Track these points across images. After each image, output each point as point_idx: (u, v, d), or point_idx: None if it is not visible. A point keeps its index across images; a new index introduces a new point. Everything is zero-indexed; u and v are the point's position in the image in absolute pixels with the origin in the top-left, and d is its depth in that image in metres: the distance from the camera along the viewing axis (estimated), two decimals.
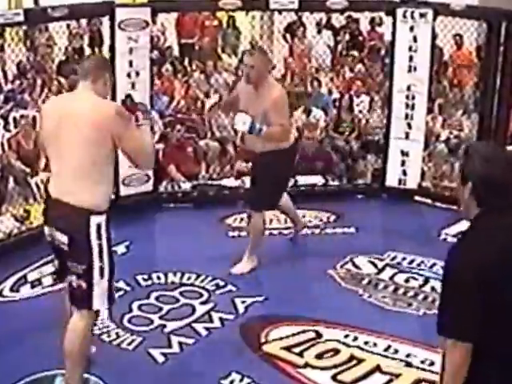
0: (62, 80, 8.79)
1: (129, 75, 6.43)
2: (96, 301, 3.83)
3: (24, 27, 9.16)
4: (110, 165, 3.80)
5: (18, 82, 8.49)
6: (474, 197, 2.62)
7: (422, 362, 4.44)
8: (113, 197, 6.82)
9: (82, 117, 3.65)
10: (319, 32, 10.34)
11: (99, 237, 3.76)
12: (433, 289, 5.37)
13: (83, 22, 10.17)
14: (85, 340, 3.86)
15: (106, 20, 6.57)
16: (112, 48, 6.44)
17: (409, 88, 6.93)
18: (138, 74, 6.46)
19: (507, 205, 2.61)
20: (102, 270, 3.81)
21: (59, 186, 3.76)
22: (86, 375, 4.19)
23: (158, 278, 5.48)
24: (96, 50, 10.18)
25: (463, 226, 6.61)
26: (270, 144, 5.23)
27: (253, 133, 5.16)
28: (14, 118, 7.58)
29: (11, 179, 7.04)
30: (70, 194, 3.69)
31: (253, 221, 5.53)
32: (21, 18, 5.65)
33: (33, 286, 5.39)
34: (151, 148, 4.07)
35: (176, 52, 10.51)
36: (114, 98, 6.53)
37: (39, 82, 8.56)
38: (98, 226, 3.74)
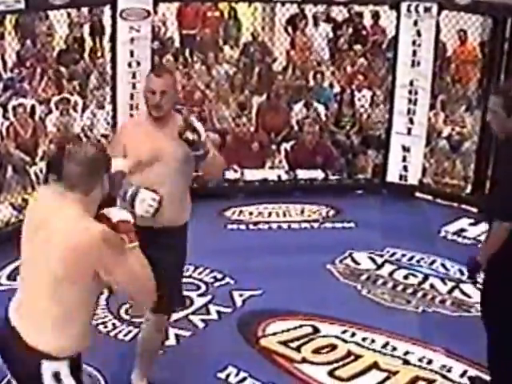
0: (62, 69, 8.77)
1: (130, 65, 6.41)
2: None
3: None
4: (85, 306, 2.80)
5: (17, 71, 8.46)
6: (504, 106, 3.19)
7: (420, 360, 4.44)
8: None
9: (56, 246, 2.69)
10: (316, 25, 10.31)
11: None
12: (432, 286, 5.38)
13: (84, 10, 10.14)
14: None
15: (107, 9, 6.56)
16: (113, 37, 6.42)
17: (411, 83, 6.93)
18: (139, 63, 6.43)
19: None
20: None
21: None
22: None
23: None
24: (97, 39, 10.17)
25: (464, 223, 6.67)
26: None
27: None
28: (13, 107, 7.54)
29: (10, 168, 7.01)
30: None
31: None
32: (22, 6, 5.62)
33: None
34: (147, 275, 2.83)
35: (177, 43, 10.50)
36: (114, 88, 6.54)
37: (39, 70, 8.53)
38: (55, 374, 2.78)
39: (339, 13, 10.41)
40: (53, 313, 2.70)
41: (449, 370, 4.34)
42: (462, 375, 4.30)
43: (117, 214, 2.84)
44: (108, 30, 7.11)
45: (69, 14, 10.18)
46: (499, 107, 3.73)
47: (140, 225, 3.27)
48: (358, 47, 9.68)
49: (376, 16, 10.39)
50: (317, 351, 4.51)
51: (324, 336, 4.65)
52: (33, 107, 7.55)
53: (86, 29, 10.30)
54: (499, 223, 3.64)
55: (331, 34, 10.40)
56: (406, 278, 5.51)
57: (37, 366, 2.70)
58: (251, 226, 6.37)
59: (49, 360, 2.70)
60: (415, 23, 6.77)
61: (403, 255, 5.86)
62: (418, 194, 7.19)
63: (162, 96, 3.63)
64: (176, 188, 3.72)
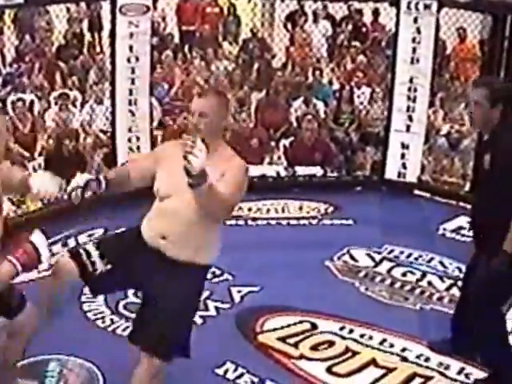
0: (62, 64, 8.76)
1: (129, 60, 6.41)
2: None
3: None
4: None
5: (16, 66, 8.46)
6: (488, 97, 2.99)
7: (418, 357, 4.44)
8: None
9: None
10: (315, 21, 10.31)
11: None
12: (430, 283, 5.39)
13: (83, 5, 10.13)
14: None
15: (106, 4, 6.56)
16: (112, 32, 6.42)
17: (411, 80, 6.93)
18: (137, 59, 6.44)
19: None
20: None
21: None
22: (79, 360, 4.22)
23: None
24: (95, 34, 10.17)
25: (462, 221, 6.67)
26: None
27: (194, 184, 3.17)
28: (12, 102, 7.54)
29: (8, 163, 6.99)
30: None
31: None
32: (21, 0, 5.61)
33: None
34: None
35: (177, 39, 10.50)
36: (113, 83, 6.54)
37: (38, 65, 8.52)
38: None
39: (339, 10, 10.41)
40: None
41: (446, 367, 4.34)
42: (460, 372, 4.30)
43: (38, 241, 3.17)
44: (107, 25, 7.11)
45: (68, 9, 10.19)
46: (484, 98, 3.75)
47: (148, 242, 3.37)
48: (357, 44, 9.69)
49: (376, 13, 10.41)
50: (315, 347, 4.51)
51: (322, 332, 4.66)
52: (31, 102, 7.54)
53: (85, 24, 10.31)
54: None
55: (331, 31, 10.40)
56: (404, 275, 5.51)
57: None
58: (250, 222, 6.36)
59: None
60: (415, 20, 6.76)
61: (401, 252, 5.86)
62: (416, 192, 7.19)
63: (200, 118, 3.35)
64: (190, 223, 3.40)
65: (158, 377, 3.56)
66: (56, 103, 7.74)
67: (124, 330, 4.62)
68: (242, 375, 4.22)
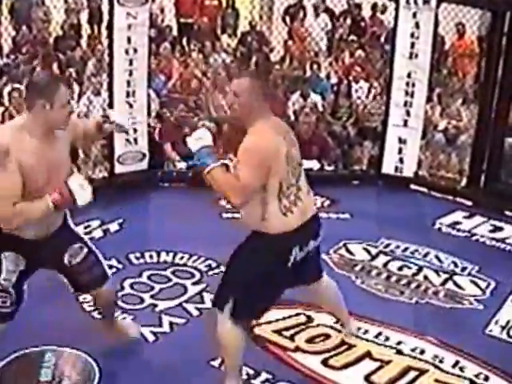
0: (59, 55, 8.74)
1: (127, 52, 6.40)
2: None
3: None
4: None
5: (12, 57, 8.43)
6: None
7: (413, 350, 4.45)
8: (106, 174, 6.91)
9: None
10: (317, 16, 10.31)
11: None
12: (425, 277, 5.41)
13: None
14: None
15: None
16: (110, 23, 6.40)
17: (409, 75, 6.93)
18: (135, 50, 6.43)
19: None
20: None
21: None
22: (75, 351, 4.22)
23: (151, 256, 5.48)
24: (95, 25, 10.14)
25: (458, 216, 6.70)
26: None
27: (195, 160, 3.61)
28: (9, 92, 7.50)
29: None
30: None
31: None
32: None
33: None
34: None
35: (175, 31, 10.49)
36: (110, 75, 6.53)
37: (35, 56, 8.50)
38: None
39: (338, 4, 10.42)
40: None
41: (441, 361, 4.36)
42: (454, 365, 4.32)
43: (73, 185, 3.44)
44: (106, 17, 7.08)
45: (65, 0, 10.17)
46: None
47: None
48: (356, 38, 9.69)
49: (375, 8, 10.42)
50: (310, 340, 4.51)
51: (318, 325, 4.66)
52: None
53: (84, 15, 10.27)
54: None
55: (330, 25, 10.40)
56: (400, 269, 5.52)
57: None
58: None
59: None
60: (414, 15, 6.77)
61: (397, 246, 5.87)
62: (413, 186, 7.21)
63: (234, 97, 3.55)
64: None
65: (235, 337, 3.79)
66: None
67: None
68: None
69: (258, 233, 3.69)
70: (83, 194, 3.47)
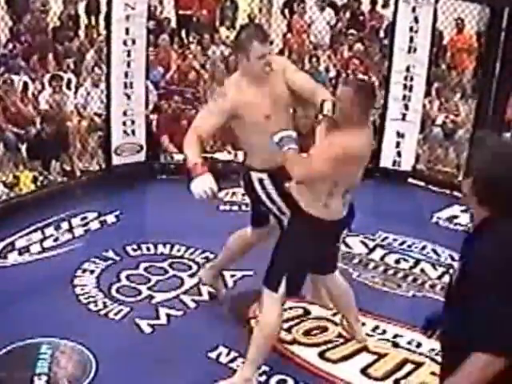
0: (58, 46, 8.71)
1: (125, 43, 6.39)
2: None
3: None
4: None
5: (10, 47, 8.40)
6: (474, 193, 2.36)
7: (409, 343, 4.48)
8: (103, 166, 6.90)
9: None
10: (322, 10, 10.28)
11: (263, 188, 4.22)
12: (422, 271, 5.43)
13: None
14: None
15: None
16: (108, 14, 6.39)
17: (408, 69, 6.94)
18: (134, 42, 6.43)
19: None
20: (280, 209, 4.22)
21: None
22: (71, 343, 4.23)
23: (148, 248, 5.50)
24: (92, 16, 10.11)
25: (455, 210, 6.68)
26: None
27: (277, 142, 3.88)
28: (4, 81, 7.47)
29: (1, 145, 6.95)
30: None
31: None
32: None
33: (20, 253, 5.41)
34: None
35: (173, 23, 10.47)
36: (108, 66, 6.52)
37: (32, 47, 8.47)
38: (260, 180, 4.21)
39: None
40: None
41: (437, 354, 4.32)
42: None
43: None
44: (104, 8, 7.07)
45: None
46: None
47: None
48: (355, 32, 9.67)
49: (374, 2, 10.40)
50: (307, 333, 4.55)
51: (315, 318, 4.69)
52: (25, 84, 7.48)
53: (82, 6, 10.23)
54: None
55: (334, 19, 10.38)
56: (397, 262, 5.55)
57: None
58: (243, 208, 6.33)
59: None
60: (413, 10, 6.77)
61: (395, 240, 5.90)
62: (410, 180, 7.23)
63: (338, 101, 3.78)
64: None
65: (278, 318, 3.96)
66: (50, 85, 7.68)
67: (116, 313, 4.65)
68: (234, 359, 4.24)
69: (311, 218, 3.87)
70: (199, 185, 4.13)
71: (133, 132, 6.66)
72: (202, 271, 4.91)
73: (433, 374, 4.19)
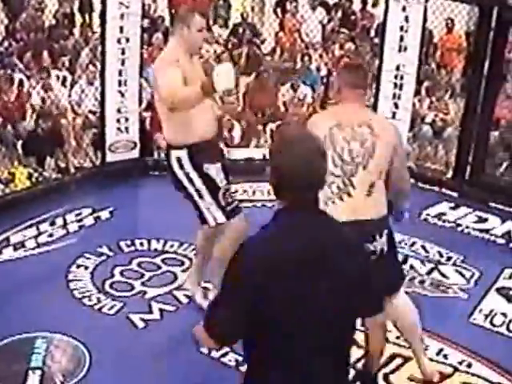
0: (54, 44, 8.74)
1: (119, 41, 6.42)
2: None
3: None
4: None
5: (6, 44, 8.44)
6: (270, 183, 2.33)
7: (397, 338, 4.44)
8: (98, 162, 6.95)
9: None
10: (314, 9, 10.33)
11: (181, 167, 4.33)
12: (412, 267, 5.47)
13: None
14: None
15: None
16: (103, 13, 6.42)
17: (398, 68, 6.96)
18: (128, 40, 6.45)
19: (305, 201, 2.29)
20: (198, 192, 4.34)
21: None
22: (66, 338, 4.26)
23: (141, 244, 5.51)
24: (86, 15, 10.14)
25: (444, 207, 6.70)
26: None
27: None
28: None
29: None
30: None
31: None
32: None
33: (15, 249, 5.41)
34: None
35: (167, 22, 10.50)
36: (103, 64, 6.56)
37: (27, 45, 8.51)
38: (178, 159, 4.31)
39: None
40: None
41: (425, 348, 4.37)
42: (438, 353, 4.41)
43: None
44: (98, 6, 7.10)
45: None
46: None
47: None
48: (346, 31, 9.72)
49: (365, 1, 10.46)
50: None
51: None
52: (21, 81, 7.52)
53: (76, 4, 10.26)
54: None
55: (326, 18, 10.43)
56: None
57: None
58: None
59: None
60: (403, 9, 6.79)
61: None
62: None
63: None
64: None
65: None
66: (41, 79, 7.69)
67: (110, 308, 4.67)
68: (226, 354, 4.26)
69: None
70: (225, 78, 3.97)
71: (126, 129, 6.69)
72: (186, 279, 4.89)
73: None
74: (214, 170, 4.36)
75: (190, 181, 4.34)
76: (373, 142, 3.63)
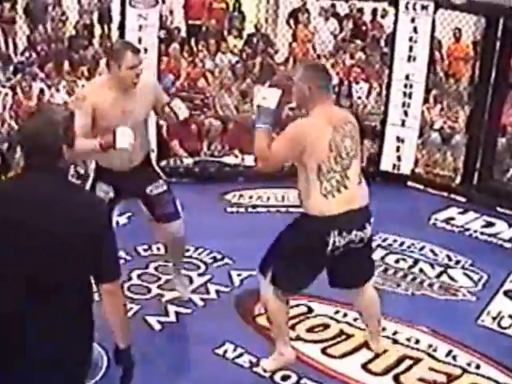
0: (74, 55, 8.86)
1: None
2: None
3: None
4: None
5: (27, 55, 8.55)
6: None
7: (408, 340, 4.56)
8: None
9: None
10: (327, 19, 10.39)
11: None
12: (421, 270, 5.52)
13: None
14: None
15: None
16: (122, 24, 6.59)
17: (407, 77, 7.06)
18: (146, 50, 6.58)
19: (34, 163, 2.57)
20: None
21: None
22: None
23: (158, 249, 5.56)
24: (105, 25, 10.25)
25: (452, 212, 6.75)
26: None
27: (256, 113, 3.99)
28: (22, 88, 7.63)
29: (18, 148, 7.12)
30: None
31: None
32: None
33: None
34: None
35: (183, 32, 10.59)
36: None
37: (48, 55, 8.62)
38: None
39: (340, 8, 10.53)
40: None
41: (435, 350, 4.46)
42: (447, 354, 4.44)
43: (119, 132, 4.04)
44: (116, 18, 7.22)
45: (79, 1, 10.30)
46: None
47: None
48: (357, 41, 9.79)
49: (375, 12, 10.53)
50: (310, 330, 4.62)
51: (317, 316, 4.76)
52: (42, 91, 7.63)
53: (96, 16, 10.36)
54: None
55: (338, 29, 10.51)
56: (396, 262, 5.65)
57: None
58: (250, 210, 6.49)
59: None
60: (412, 20, 6.90)
61: (395, 241, 6.00)
62: (410, 183, 7.34)
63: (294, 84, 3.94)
64: None
65: (277, 307, 4.03)
66: (64, 87, 7.80)
67: (127, 311, 4.74)
68: (241, 355, 4.32)
69: (303, 213, 3.93)
70: (122, 140, 4.01)
71: None
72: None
73: (430, 369, 4.29)
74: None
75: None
76: (357, 136, 3.93)
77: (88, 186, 4.47)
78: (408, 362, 4.35)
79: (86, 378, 2.83)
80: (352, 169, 3.86)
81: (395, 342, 4.55)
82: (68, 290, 2.61)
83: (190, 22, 10.96)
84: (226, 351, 4.33)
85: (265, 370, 4.19)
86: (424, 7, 6.84)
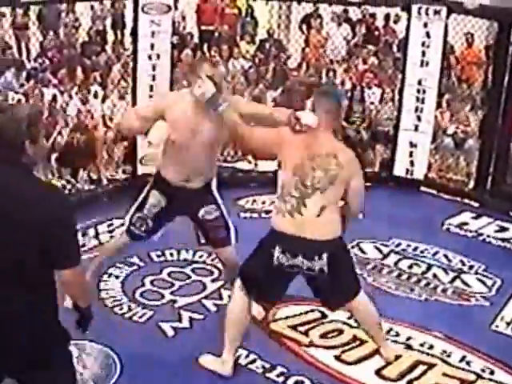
0: (86, 61, 8.90)
1: (150, 57, 6.59)
2: None
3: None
4: None
5: (40, 61, 8.60)
6: None
7: (421, 345, 4.56)
8: (129, 175, 7.08)
9: None
10: (339, 25, 10.40)
11: None
12: (435, 276, 5.52)
13: (107, 3, 10.28)
14: None
15: (129, 3, 6.71)
16: (135, 30, 6.60)
17: (420, 82, 7.06)
18: (158, 56, 6.61)
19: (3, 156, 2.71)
20: None
21: None
22: (97, 345, 4.33)
23: (171, 254, 5.59)
24: (118, 31, 10.29)
25: (466, 217, 6.75)
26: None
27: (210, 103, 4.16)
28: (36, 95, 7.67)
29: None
30: None
31: None
32: None
33: None
34: None
35: (196, 38, 10.62)
36: (134, 80, 6.73)
37: (61, 61, 8.66)
38: None
39: (352, 13, 10.54)
40: None
41: (449, 355, 4.46)
42: (461, 360, 4.44)
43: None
44: (129, 24, 7.24)
45: (92, 7, 10.35)
46: None
47: None
48: (370, 46, 9.79)
49: (387, 17, 10.53)
50: (324, 335, 4.62)
51: (331, 321, 4.75)
52: (54, 97, 7.67)
53: (109, 22, 10.40)
54: None
55: (350, 34, 10.52)
56: (410, 267, 5.65)
57: None
58: (263, 215, 6.47)
59: None
60: (425, 25, 6.91)
61: (408, 246, 6.00)
62: (423, 188, 7.34)
63: None
64: None
65: (239, 307, 4.16)
66: (76, 93, 7.85)
67: (140, 316, 4.72)
68: (254, 361, 4.34)
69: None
70: (155, 133, 4.22)
71: None
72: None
73: (444, 374, 4.29)
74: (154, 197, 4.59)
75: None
76: (336, 173, 3.90)
77: (144, 193, 4.62)
78: (422, 368, 4.34)
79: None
80: (313, 200, 3.89)
81: (409, 347, 4.55)
82: (24, 274, 2.73)
83: (203, 27, 11.00)
84: (239, 357, 4.30)
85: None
86: (436, 12, 6.85)
